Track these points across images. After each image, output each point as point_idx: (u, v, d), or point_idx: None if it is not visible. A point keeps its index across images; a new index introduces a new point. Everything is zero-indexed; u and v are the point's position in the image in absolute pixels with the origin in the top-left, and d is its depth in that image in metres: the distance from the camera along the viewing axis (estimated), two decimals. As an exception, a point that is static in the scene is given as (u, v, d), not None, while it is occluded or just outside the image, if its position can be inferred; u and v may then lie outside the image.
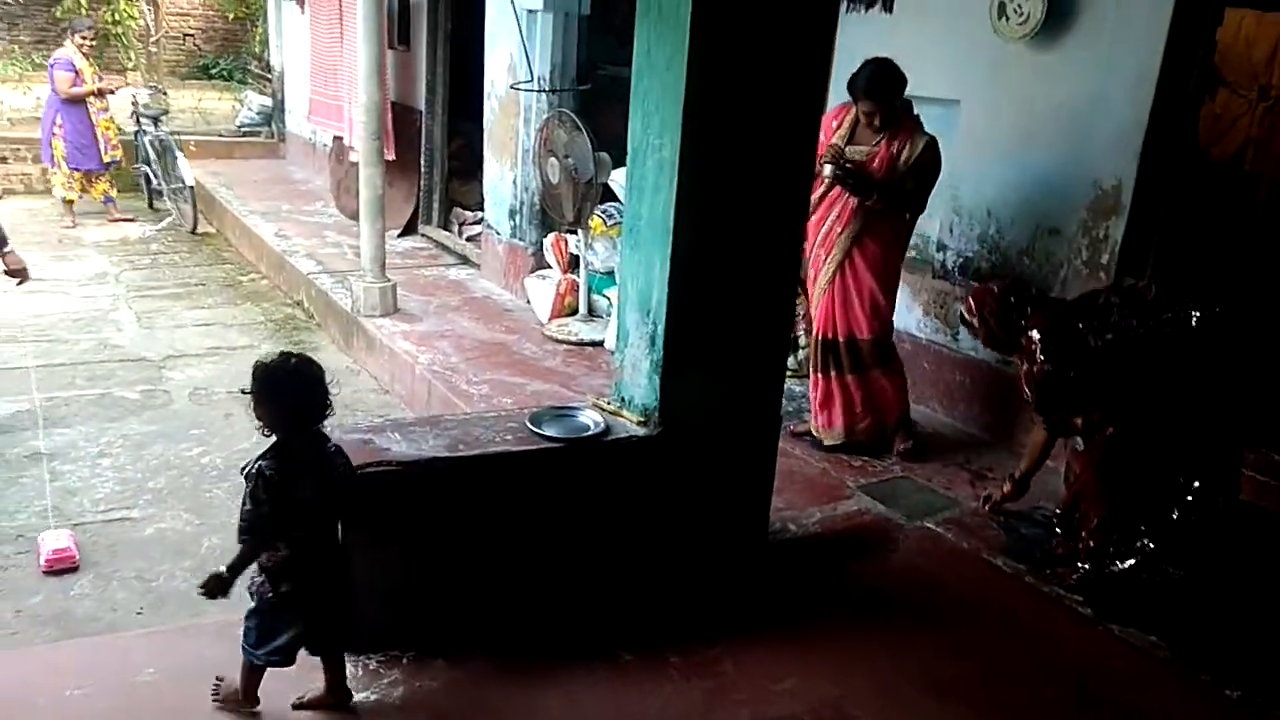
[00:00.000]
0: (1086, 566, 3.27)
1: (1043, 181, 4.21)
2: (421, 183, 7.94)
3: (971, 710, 2.70)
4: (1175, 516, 3.15)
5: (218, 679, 2.43)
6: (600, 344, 5.46)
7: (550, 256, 6.03)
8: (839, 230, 4.02)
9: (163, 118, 8.99)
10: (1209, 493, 3.15)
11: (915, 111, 4.04)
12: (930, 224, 4.89)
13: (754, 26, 2.68)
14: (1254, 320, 3.25)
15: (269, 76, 12.16)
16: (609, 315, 5.59)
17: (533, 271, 6.21)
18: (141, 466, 4.36)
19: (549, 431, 2.86)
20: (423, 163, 7.85)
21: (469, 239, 7.49)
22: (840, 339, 4.14)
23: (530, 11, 5.69)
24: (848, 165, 3.90)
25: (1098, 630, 3.09)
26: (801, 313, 5.11)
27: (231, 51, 16.58)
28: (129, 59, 14.00)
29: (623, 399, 3.05)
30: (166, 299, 6.88)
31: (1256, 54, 5.47)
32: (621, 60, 5.45)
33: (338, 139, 8.67)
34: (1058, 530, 3.49)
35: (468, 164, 7.92)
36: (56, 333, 5.91)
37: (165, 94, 9.62)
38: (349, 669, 2.54)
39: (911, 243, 5.00)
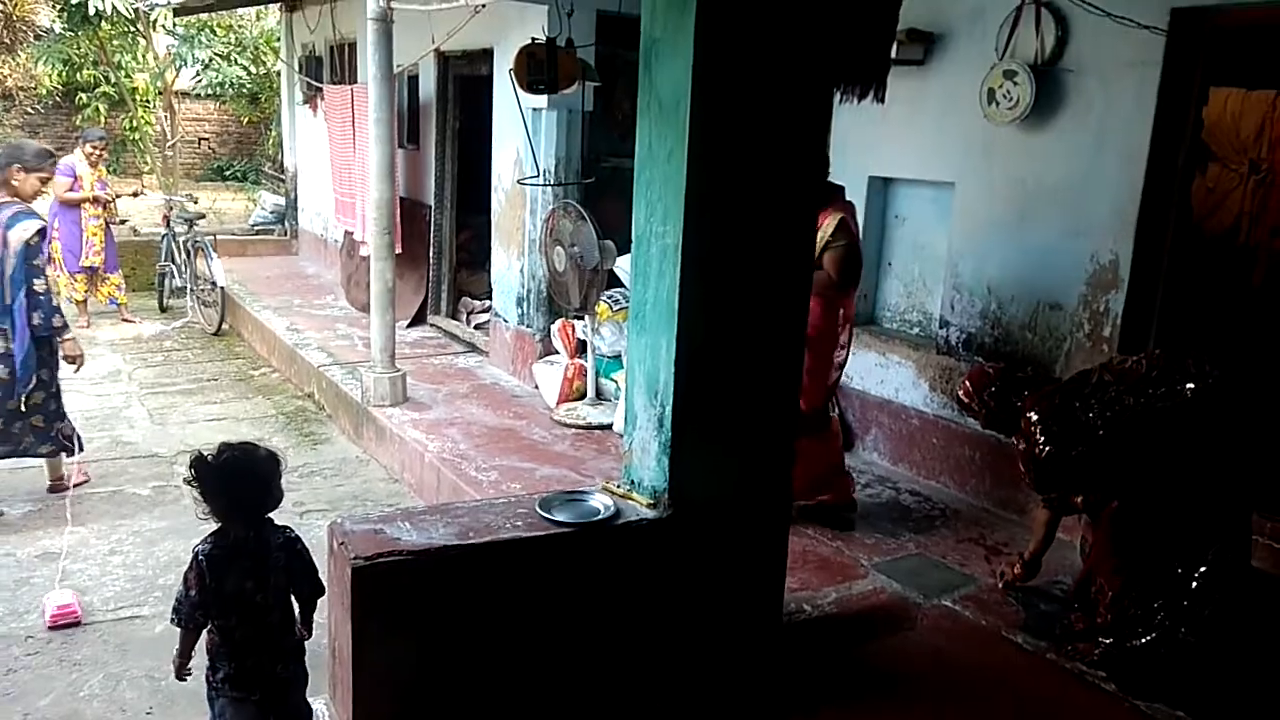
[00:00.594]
0: (1108, 641, 3.22)
1: (1040, 258, 4.28)
2: (430, 274, 8.08)
3: (998, 795, 2.64)
4: (1193, 587, 3.11)
5: None
6: (609, 427, 5.48)
7: (557, 342, 6.10)
8: None
9: (198, 221, 9.24)
10: (1222, 561, 3.12)
11: (841, 194, 4.10)
12: (932, 301, 4.96)
13: (751, 119, 2.78)
14: (1255, 387, 3.26)
15: (282, 177, 12.51)
16: (617, 398, 5.63)
17: (540, 357, 6.28)
18: (152, 564, 4.35)
19: (559, 516, 2.86)
20: (431, 254, 8.00)
21: (477, 327, 7.59)
22: None
23: (535, 110, 5.88)
24: None
25: (1123, 706, 3.03)
26: (808, 392, 5.14)
27: (245, 154, 17.09)
28: (146, 163, 14.43)
29: (632, 481, 3.05)
30: (179, 395, 6.95)
31: (1244, 129, 5.59)
32: (623, 152, 5.63)
33: (348, 234, 8.88)
34: (1075, 605, 3.44)
35: (475, 255, 8.08)
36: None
37: (196, 200, 9.96)
38: (361, 765, 2.51)
39: (915, 320, 5.11)
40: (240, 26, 15.38)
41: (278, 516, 2.60)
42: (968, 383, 3.53)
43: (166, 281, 9.50)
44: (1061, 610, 3.52)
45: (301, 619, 2.45)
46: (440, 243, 7.97)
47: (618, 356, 5.82)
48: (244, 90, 16.00)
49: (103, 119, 14.00)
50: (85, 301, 8.66)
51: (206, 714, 2.77)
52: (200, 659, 2.43)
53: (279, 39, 12.57)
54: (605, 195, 5.94)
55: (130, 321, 8.87)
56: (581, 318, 5.84)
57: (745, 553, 3.11)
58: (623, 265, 5.60)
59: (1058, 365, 4.19)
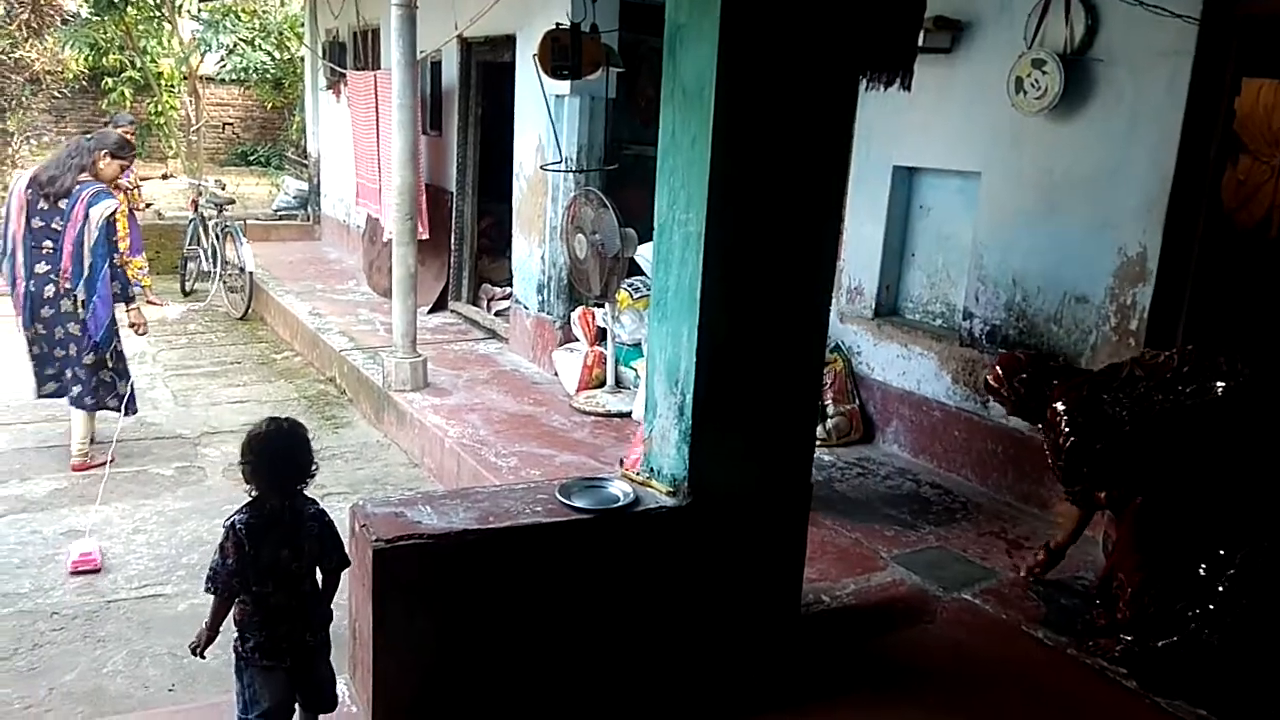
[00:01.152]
0: (1129, 638, 3.20)
1: (1067, 249, 4.24)
2: (452, 260, 8.10)
3: (1016, 788, 2.62)
4: (1220, 590, 3.08)
5: None
6: (628, 415, 5.49)
7: (577, 330, 6.10)
8: None
9: (227, 206, 9.30)
10: (1252, 566, 3.08)
11: None
12: (956, 292, 4.92)
13: (776, 105, 2.76)
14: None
15: (305, 162, 12.56)
16: (636, 386, 5.63)
17: (560, 345, 6.28)
18: (175, 543, 4.39)
19: (578, 503, 2.87)
20: (453, 241, 8.02)
21: (497, 314, 7.60)
22: None
23: (558, 96, 5.87)
24: None
25: (1144, 703, 3.00)
26: (830, 380, 5.13)
27: (269, 139, 17.17)
28: (170, 147, 14.53)
29: (651, 469, 3.05)
30: (203, 377, 7.01)
31: (1277, 121, 5.51)
32: (646, 140, 5.62)
33: (371, 220, 8.91)
34: (1097, 601, 3.42)
35: (496, 242, 8.10)
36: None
37: (225, 186, 10.03)
38: (379, 745, 2.54)
39: (938, 311, 5.07)
40: (264, 12, 15.44)
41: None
42: (998, 368, 3.49)
43: (191, 265, 9.57)
44: (1083, 606, 3.50)
45: (325, 589, 2.47)
46: (462, 229, 7.99)
47: (638, 344, 5.82)
48: (268, 76, 16.07)
49: (128, 103, 14.09)
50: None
51: (228, 691, 2.81)
52: (223, 637, 2.45)
53: (303, 24, 12.60)
54: (627, 183, 5.92)
55: (155, 304, 8.95)
56: (602, 305, 5.84)
57: (764, 542, 3.11)
58: (644, 253, 5.58)
59: (1083, 359, 4.15)
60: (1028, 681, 3.12)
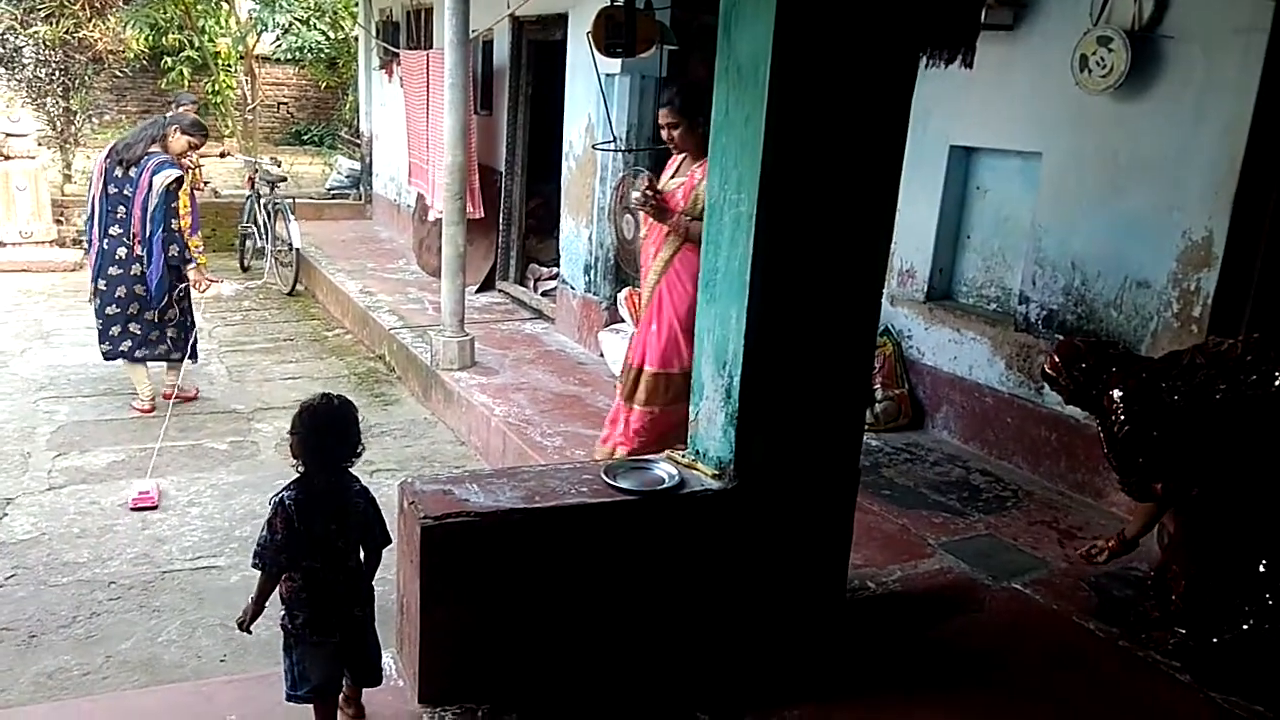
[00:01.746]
0: (1183, 631, 3.11)
1: (1129, 232, 4.12)
2: (500, 240, 8.13)
3: (1065, 783, 2.57)
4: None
5: None
6: (675, 398, 5.46)
7: (624, 311, 6.08)
8: (653, 254, 4.07)
9: (279, 184, 9.45)
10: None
11: None
12: (1012, 276, 4.82)
13: (832, 83, 2.70)
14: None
15: (358, 142, 12.68)
16: (683, 369, 5.60)
17: (606, 326, 6.27)
18: (229, 516, 4.48)
19: (624, 484, 2.86)
20: (501, 221, 8.04)
21: (544, 294, 7.62)
22: (651, 369, 4.07)
23: (609, 75, 5.83)
24: (650, 192, 3.94)
25: (1198, 697, 2.92)
26: (879, 364, 5.06)
27: (323, 119, 17.37)
28: (227, 126, 14.76)
29: (698, 451, 3.03)
30: (256, 353, 7.14)
31: (1354, 101, 5.29)
32: (696, 119, 5.53)
33: (421, 200, 8.97)
34: (1151, 593, 3.33)
35: (544, 222, 8.10)
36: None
37: (280, 164, 10.19)
38: (425, 719, 2.56)
39: (993, 295, 4.96)
40: (320, -9, 15.57)
41: (348, 472, 2.67)
42: (1055, 357, 3.39)
43: (248, 243, 9.73)
44: (1136, 598, 3.42)
45: (369, 566, 2.50)
46: (510, 209, 8.01)
47: (685, 326, 5.78)
48: (322, 55, 16.23)
49: (186, 83, 14.33)
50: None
51: (278, 664, 2.85)
52: (272, 610, 2.48)
53: (357, 4, 12.68)
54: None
55: (211, 281, 9.11)
56: (649, 286, 5.81)
57: (810, 527, 3.07)
58: (692, 234, 5.54)
59: (1143, 345, 4.03)
60: (1078, 673, 3.06)
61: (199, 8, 14.08)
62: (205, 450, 5.25)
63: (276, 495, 2.36)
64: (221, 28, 14.73)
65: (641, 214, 4.13)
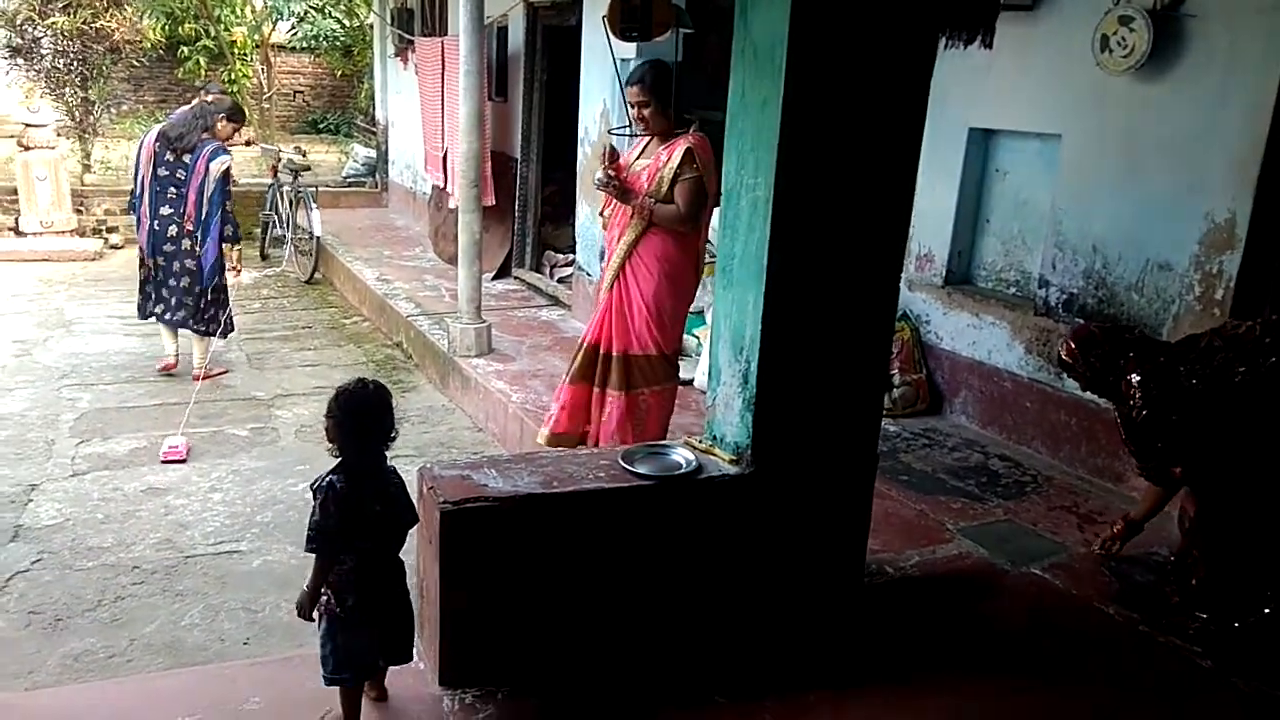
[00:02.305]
0: (1204, 616, 3.10)
1: (1150, 215, 4.07)
2: (515, 227, 8.13)
3: (1085, 767, 2.57)
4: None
5: (327, 711, 2.48)
6: (689, 383, 5.45)
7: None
8: (618, 236, 4.02)
9: (303, 173, 9.49)
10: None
11: (697, 127, 3.98)
12: (1032, 259, 4.78)
13: (850, 65, 2.68)
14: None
15: (374, 130, 12.69)
16: (698, 354, 5.60)
17: (624, 312, 6.26)
18: (250, 501, 4.52)
19: (641, 469, 2.86)
20: (517, 208, 8.05)
21: (560, 281, 7.63)
22: (615, 353, 4.03)
23: (624, 60, 5.81)
24: (612, 173, 3.89)
25: (1221, 683, 2.91)
26: (897, 350, 5.04)
27: (338, 107, 17.38)
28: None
29: (715, 437, 3.03)
30: (275, 341, 7.18)
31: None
32: (711, 103, 5.51)
33: (436, 188, 8.98)
34: (1172, 578, 3.32)
35: (560, 209, 8.10)
36: (172, 372, 6.21)
37: (305, 153, 10.22)
38: (445, 703, 2.59)
39: (1012, 279, 4.93)
40: (335, -21, 15.58)
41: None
42: (1071, 343, 3.38)
43: (269, 231, 9.78)
44: (1157, 583, 3.40)
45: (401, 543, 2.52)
46: (526, 196, 8.01)
47: (700, 312, 5.77)
48: (338, 43, 16.24)
49: (203, 72, 14.38)
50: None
51: (301, 646, 2.90)
52: (287, 595, 2.50)
53: (371, -9, 12.68)
54: (693, 148, 5.84)
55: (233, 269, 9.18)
56: (666, 272, 5.79)
57: (827, 512, 3.07)
58: (709, 219, 5.52)
59: (1165, 329, 4.00)
60: (1098, 658, 3.05)
61: (215, -3, 14.12)
62: (226, 436, 5.29)
63: (322, 479, 2.34)
64: (237, 16, 14.76)
65: (604, 194, 4.05)
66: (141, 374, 6.23)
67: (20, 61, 11.26)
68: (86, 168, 11.53)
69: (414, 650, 2.59)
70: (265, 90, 14.69)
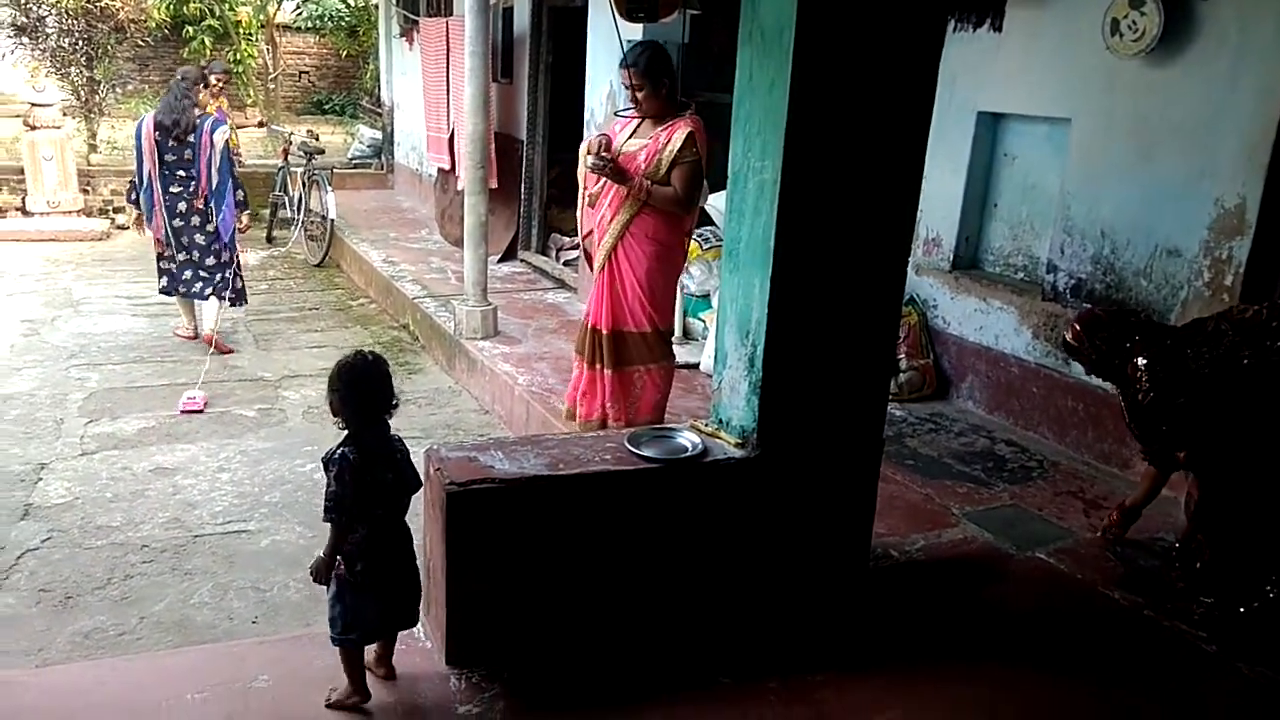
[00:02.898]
0: (1209, 600, 3.11)
1: (1160, 200, 4.05)
2: (521, 210, 8.12)
3: (1087, 750, 2.58)
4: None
5: (331, 690, 2.52)
6: (695, 366, 5.46)
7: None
8: (609, 218, 4.01)
9: (316, 156, 9.48)
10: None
11: (693, 110, 3.97)
12: (1040, 244, 4.77)
13: (858, 48, 2.67)
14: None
15: (379, 111, 12.66)
16: (704, 338, 5.60)
17: (630, 295, 6.25)
18: (258, 481, 4.54)
19: (647, 452, 2.87)
20: (523, 190, 8.03)
21: (566, 263, 7.62)
22: (605, 330, 4.06)
23: (630, 42, 5.77)
24: (606, 155, 3.88)
25: (1224, 667, 2.92)
26: (903, 334, 5.03)
27: (344, 87, 17.33)
28: (249, 95, 14.77)
29: (720, 420, 3.04)
30: (282, 322, 7.19)
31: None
32: (718, 86, 5.50)
33: (442, 170, 8.96)
34: (1177, 563, 3.32)
35: (566, 191, 8.07)
36: (180, 353, 6.24)
37: (318, 136, 10.20)
38: (451, 682, 2.61)
39: (1020, 264, 4.91)
40: (340, -42, 15.51)
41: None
42: (1076, 326, 3.37)
43: (278, 213, 9.77)
44: (1161, 567, 3.41)
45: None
46: (532, 178, 7.99)
47: (706, 296, 5.77)
48: (343, 23, 16.18)
49: (208, 52, 14.34)
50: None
51: (309, 625, 2.92)
52: (298, 575, 2.52)
53: (377, -29, 12.62)
54: (699, 130, 5.81)
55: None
56: (672, 255, 5.78)
57: (833, 496, 3.08)
58: (714, 203, 5.51)
59: (1173, 315, 3.99)
60: (1102, 642, 3.06)
61: (220, -25, 14.07)
62: (234, 417, 5.32)
63: (334, 452, 2.40)
64: (242, -4, 14.72)
65: (593, 175, 4.03)
66: (150, 354, 6.25)
67: (25, 40, 11.24)
68: (93, 147, 11.52)
69: (420, 616, 2.64)
70: (270, 71, 14.65)
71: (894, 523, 3.68)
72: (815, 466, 3.01)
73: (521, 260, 8.11)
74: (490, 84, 6.62)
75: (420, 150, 10.15)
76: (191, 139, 5.90)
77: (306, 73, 17.43)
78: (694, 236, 5.66)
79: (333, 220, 8.79)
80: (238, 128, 9.10)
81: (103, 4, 11.26)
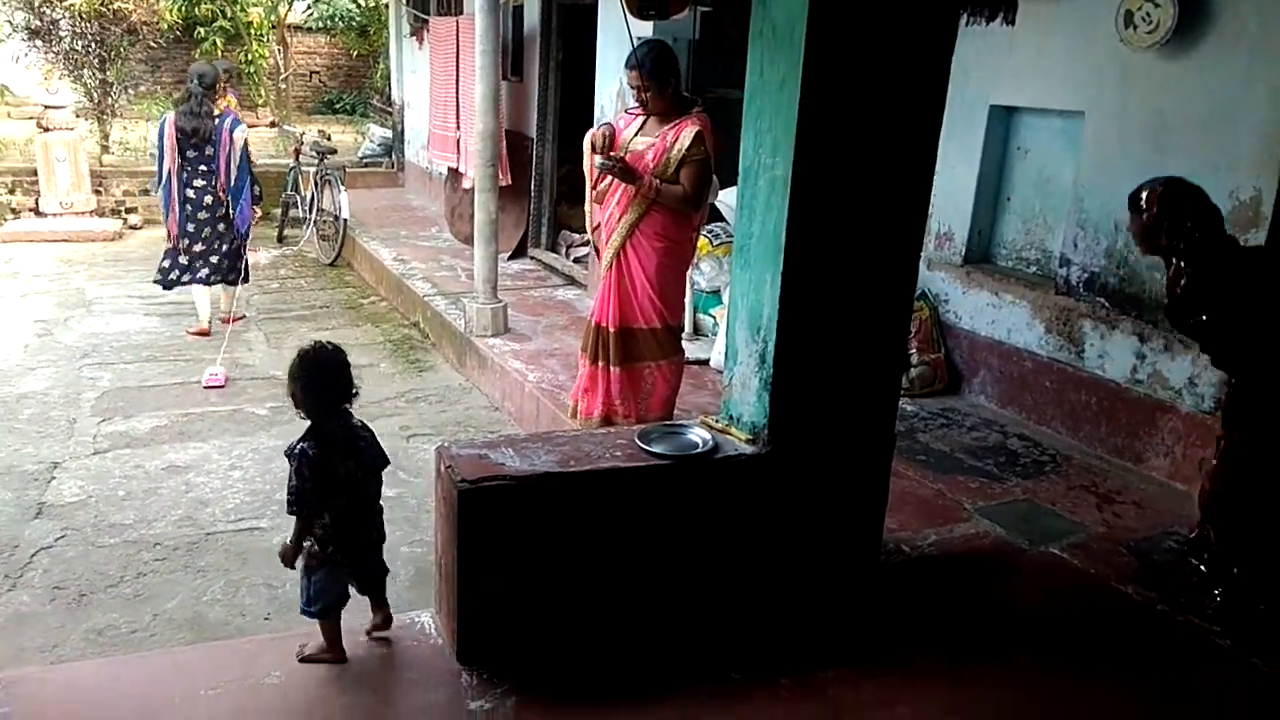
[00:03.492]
0: (1219, 593, 3.08)
1: (1174, 193, 4.01)
2: (531, 207, 8.12)
3: (1102, 747, 2.57)
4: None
5: (301, 645, 2.67)
6: (706, 362, 5.45)
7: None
8: (618, 216, 4.01)
9: (329, 155, 9.51)
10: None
11: (701, 108, 3.97)
12: (1053, 238, 4.74)
13: (870, 42, 2.65)
14: None
15: (390, 110, 12.68)
16: (714, 334, 5.59)
17: (640, 292, 6.25)
18: (269, 479, 4.55)
19: (658, 449, 2.86)
20: (533, 188, 8.03)
21: (576, 260, 7.61)
22: (612, 329, 4.07)
23: (640, 39, 5.76)
24: (613, 154, 3.89)
25: (1240, 663, 2.90)
26: (915, 329, 5.01)
27: (354, 87, 17.37)
28: (260, 95, 14.83)
29: (731, 416, 3.03)
30: (294, 320, 7.22)
31: None
32: (729, 82, 5.48)
33: (452, 168, 8.97)
34: (1190, 558, 3.30)
35: (576, 188, 8.04)
36: (192, 352, 6.27)
37: (330, 136, 10.24)
38: (463, 678, 2.62)
39: (1033, 258, 4.88)
40: (350, -42, 15.54)
41: (382, 437, 2.73)
42: (1160, 187, 3.18)
43: (289, 212, 9.81)
44: (1175, 562, 3.38)
45: (375, 491, 2.68)
46: (541, 176, 7.99)
47: (716, 292, 5.76)
48: (353, 23, 16.22)
49: (219, 52, 14.39)
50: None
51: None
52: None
53: (386, -30, 12.64)
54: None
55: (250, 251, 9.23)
56: (682, 252, 5.77)
57: (844, 491, 3.07)
58: (725, 199, 5.51)
59: (1187, 309, 3.95)
60: (1116, 638, 3.04)
61: (231, -24, 14.12)
62: (246, 415, 5.33)
63: (295, 446, 2.50)
64: (253, -3, 14.77)
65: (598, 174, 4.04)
66: (162, 353, 6.28)
67: (39, 43, 11.31)
68: (105, 149, 11.58)
69: (385, 582, 2.75)
70: (282, 71, 14.70)
71: (905, 518, 3.67)
72: (827, 462, 2.99)
73: (531, 257, 8.11)
74: (500, 82, 6.62)
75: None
76: (214, 136, 6.30)
77: (317, 72, 17.49)
78: (704, 232, 5.67)
79: (345, 220, 8.81)
80: (249, 128, 9.14)
81: (115, 6, 11.31)
